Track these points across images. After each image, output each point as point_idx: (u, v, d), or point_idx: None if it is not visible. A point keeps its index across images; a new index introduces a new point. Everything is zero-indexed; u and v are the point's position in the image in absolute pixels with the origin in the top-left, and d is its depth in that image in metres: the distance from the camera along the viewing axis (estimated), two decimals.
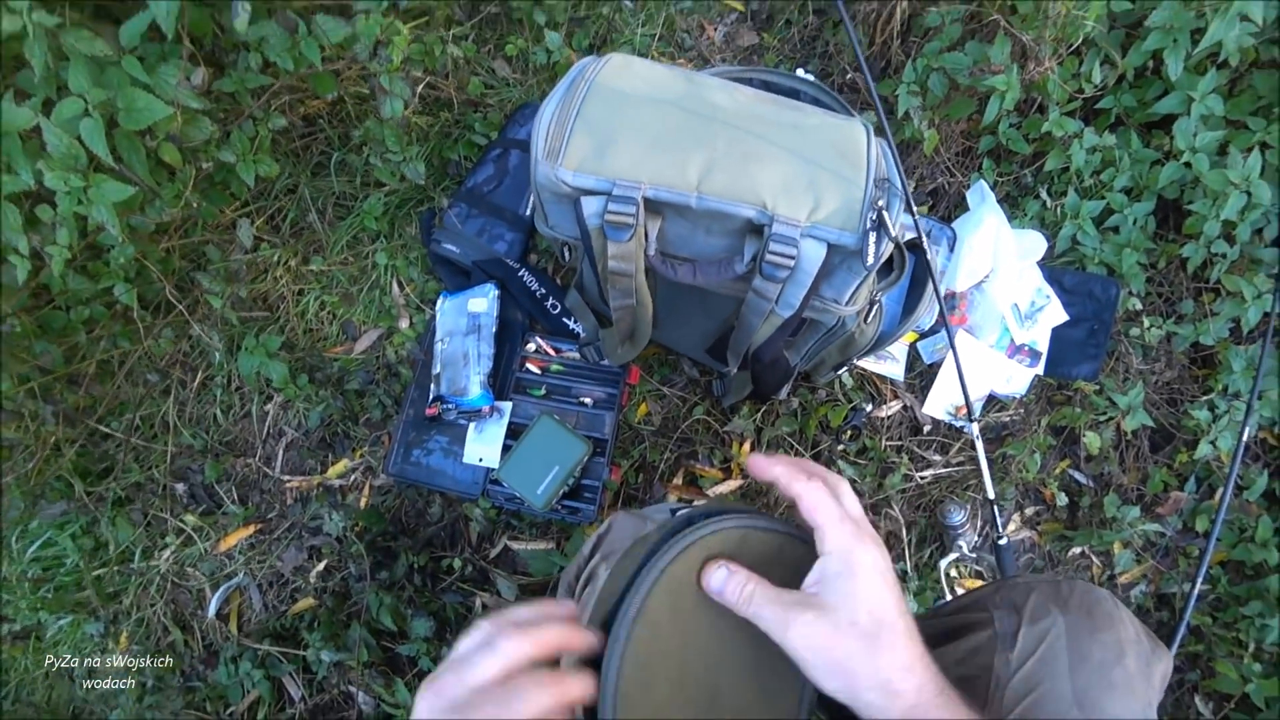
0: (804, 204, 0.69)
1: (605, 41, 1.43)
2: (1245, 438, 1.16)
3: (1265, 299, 1.23)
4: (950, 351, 1.24)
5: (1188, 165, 1.23)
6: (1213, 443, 1.25)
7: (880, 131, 1.30)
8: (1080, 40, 1.19)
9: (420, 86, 1.21)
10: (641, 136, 0.72)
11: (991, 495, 1.03)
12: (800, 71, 1.41)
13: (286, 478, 1.25)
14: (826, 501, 0.42)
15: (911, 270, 1.04)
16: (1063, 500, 1.26)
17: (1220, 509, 1.11)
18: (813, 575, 0.42)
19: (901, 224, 0.73)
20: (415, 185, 1.25)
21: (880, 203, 0.69)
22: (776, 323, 0.77)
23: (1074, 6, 1.13)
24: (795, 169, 0.70)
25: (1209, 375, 1.32)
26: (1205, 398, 1.30)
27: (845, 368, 1.04)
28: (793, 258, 0.68)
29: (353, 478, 1.25)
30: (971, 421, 0.89)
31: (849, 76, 1.36)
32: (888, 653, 0.39)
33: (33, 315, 1.15)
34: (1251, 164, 1.20)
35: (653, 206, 0.72)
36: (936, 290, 0.79)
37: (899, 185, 0.71)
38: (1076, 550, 1.28)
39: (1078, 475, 1.30)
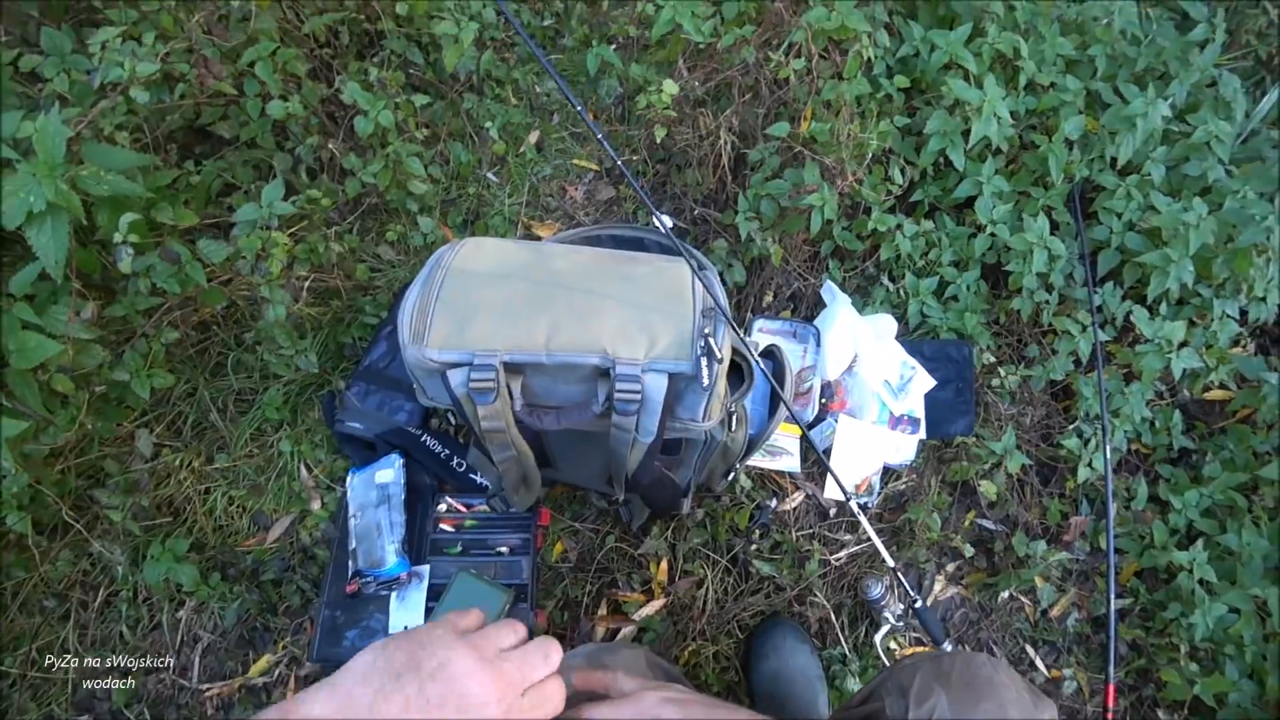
0: (640, 344, 0.79)
1: (478, 216, 1.59)
2: (1108, 455, 1.30)
3: (1089, 331, 1.41)
4: (831, 434, 1.35)
5: (993, 235, 1.44)
6: (1089, 465, 1.38)
7: (733, 254, 1.48)
8: (878, 152, 1.42)
9: (308, 282, 1.31)
10: (494, 310, 0.83)
11: (891, 564, 1.11)
12: (656, 215, 1.58)
13: (204, 686, 1.21)
14: None
15: (772, 373, 1.16)
16: (971, 551, 1.34)
17: (1109, 526, 1.22)
18: None
19: (737, 343, 0.85)
20: (312, 373, 1.32)
21: (707, 330, 0.80)
22: (643, 449, 0.86)
23: (861, 130, 1.35)
24: (629, 315, 0.81)
25: (1070, 406, 1.47)
26: (1072, 426, 1.44)
27: (734, 473, 1.12)
28: (638, 392, 0.78)
29: (277, 672, 1.22)
30: (849, 500, 0.97)
31: (697, 212, 1.55)
32: None
33: None
34: (1041, 225, 1.42)
35: (512, 368, 0.82)
36: (779, 391, 0.90)
37: (720, 309, 0.83)
38: (1004, 595, 1.35)
39: (985, 523, 1.40)
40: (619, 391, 0.78)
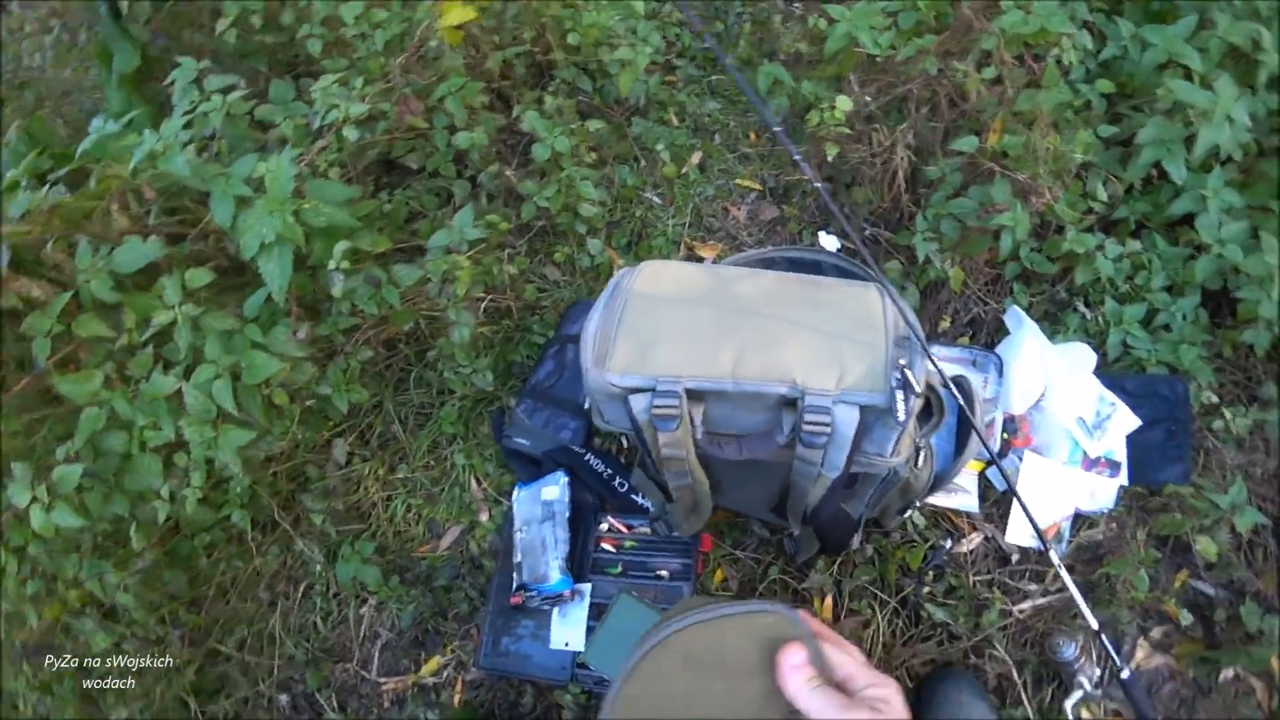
0: (831, 374, 0.76)
1: (641, 237, 1.62)
2: None
3: None
4: (1014, 473, 1.24)
5: (1220, 255, 1.26)
6: None
7: (907, 277, 1.40)
8: (1077, 165, 1.29)
9: (483, 303, 1.38)
10: (678, 335, 0.82)
11: (1094, 625, 0.98)
12: (822, 235, 1.54)
13: (382, 680, 1.30)
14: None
15: (957, 408, 1.08)
16: (1189, 618, 1.17)
17: None
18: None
19: (927, 374, 0.79)
20: (485, 389, 1.39)
21: (903, 361, 0.75)
22: (826, 483, 0.82)
23: (1059, 142, 1.23)
24: (819, 343, 0.78)
25: None
26: None
27: (911, 509, 1.05)
28: (828, 424, 0.74)
29: (445, 674, 1.29)
30: (1047, 549, 0.87)
31: (868, 232, 1.48)
32: None
33: (163, 546, 1.30)
34: None
35: (695, 395, 0.81)
36: (973, 423, 0.82)
37: (917, 338, 0.78)
38: (1229, 674, 1.17)
39: (1202, 586, 1.22)
40: (807, 423, 0.75)
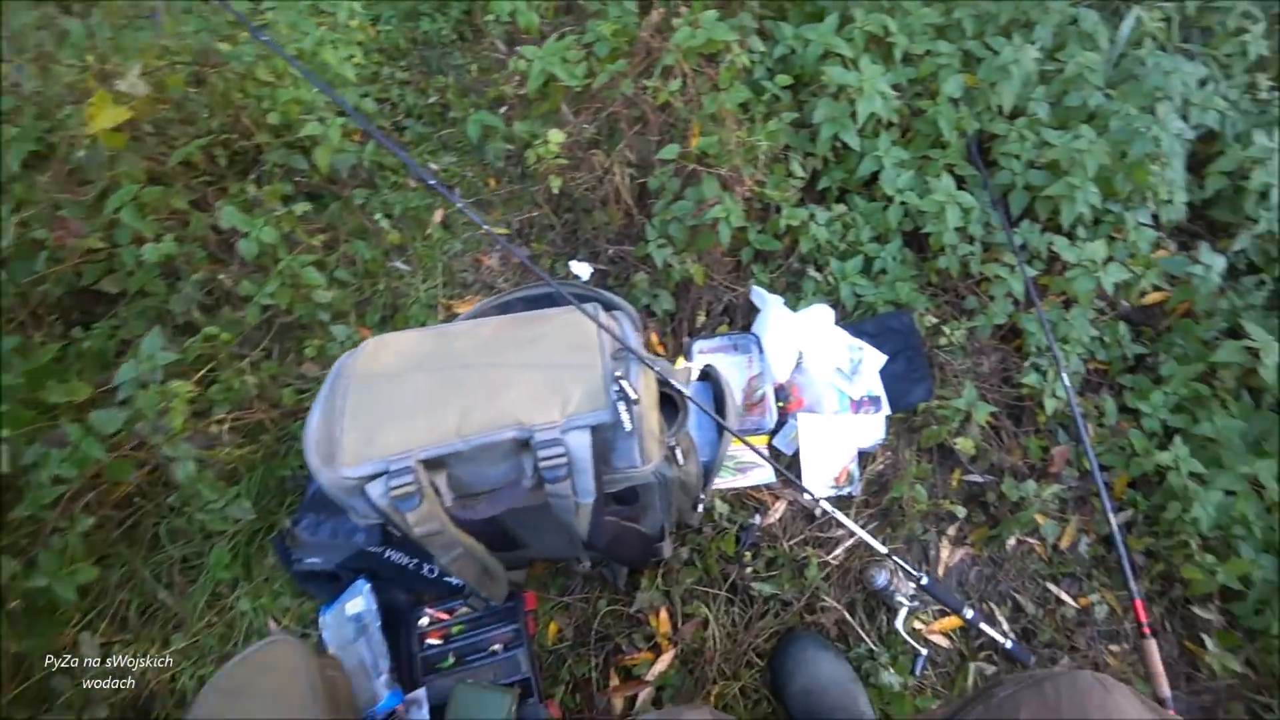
0: (554, 406, 0.75)
1: (395, 309, 1.55)
2: (1068, 381, 1.28)
3: (1018, 270, 1.41)
4: (795, 435, 1.32)
5: (904, 203, 1.44)
6: (1054, 395, 1.36)
7: (656, 284, 1.46)
8: (773, 151, 1.41)
9: (226, 425, 1.25)
10: (402, 409, 0.78)
11: (883, 550, 1.07)
12: (573, 264, 1.56)
13: None
14: None
15: (711, 393, 1.13)
16: (963, 511, 1.31)
17: (1088, 448, 1.21)
18: None
19: (658, 375, 0.81)
20: (252, 519, 1.25)
21: (619, 373, 0.76)
22: (589, 509, 0.81)
23: (747, 135, 1.35)
24: (538, 379, 0.77)
25: (1020, 345, 1.46)
26: (1027, 363, 1.42)
27: (700, 503, 1.07)
28: (563, 455, 0.73)
29: None
30: (815, 499, 0.93)
31: (611, 251, 1.53)
32: None
33: None
34: (946, 183, 1.43)
35: (433, 464, 0.77)
36: (709, 412, 0.86)
37: (629, 348, 0.79)
38: (1011, 542, 1.32)
39: (973, 478, 1.37)
40: (543, 459, 0.73)
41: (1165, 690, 1.00)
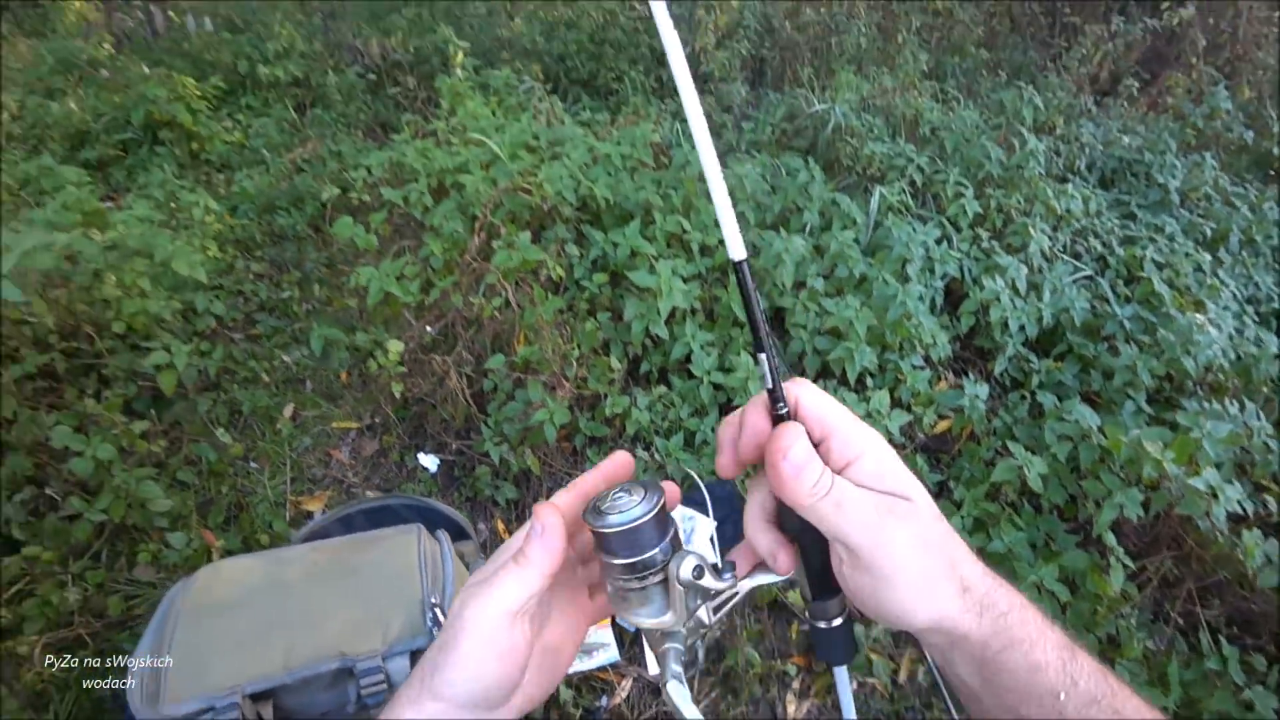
0: (376, 634, 0.87)
1: (241, 508, 1.60)
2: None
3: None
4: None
5: (711, 381, 1.71)
6: None
7: (498, 476, 1.61)
8: (593, 346, 1.66)
9: (39, 645, 1.23)
10: (231, 642, 0.87)
11: None
12: (420, 455, 1.70)
13: None
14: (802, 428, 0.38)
15: None
16: (794, 668, 1.47)
17: None
18: (868, 468, 0.37)
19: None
20: None
21: (434, 599, 0.90)
22: None
23: (562, 343, 1.59)
24: (361, 609, 0.90)
25: None
26: None
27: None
28: (383, 682, 0.85)
29: None
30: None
31: (454, 446, 1.69)
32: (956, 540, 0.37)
33: None
34: (745, 360, 1.71)
35: (260, 696, 0.85)
36: None
37: (447, 574, 0.94)
38: (854, 687, 1.47)
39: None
40: (364, 686, 0.84)
41: None
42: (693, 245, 1.86)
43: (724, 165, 2.03)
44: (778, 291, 1.86)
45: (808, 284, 1.85)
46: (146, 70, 2.57)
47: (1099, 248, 2.27)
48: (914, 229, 1.96)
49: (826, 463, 0.37)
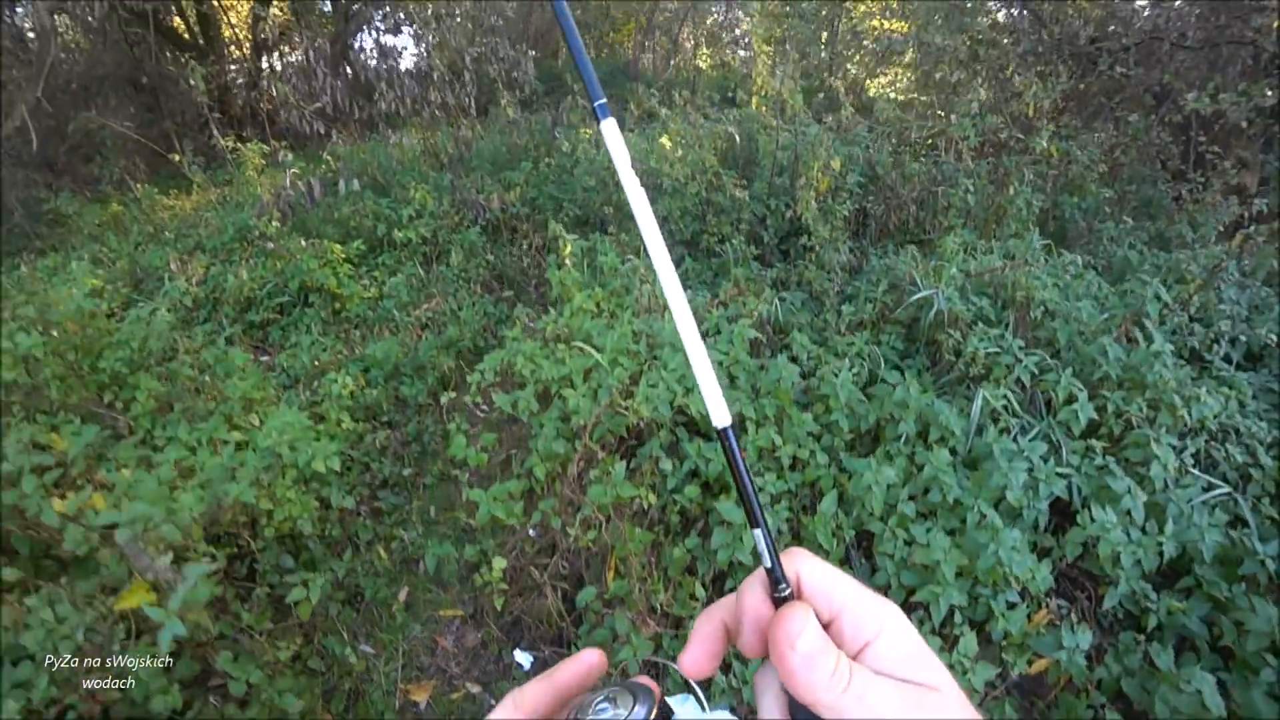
0: None
1: (358, 695, 1.79)
2: None
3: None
4: None
5: None
6: None
7: None
8: (676, 576, 1.74)
9: None
10: None
11: None
12: (517, 652, 1.83)
13: None
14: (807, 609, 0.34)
15: None
16: None
17: None
18: (887, 652, 0.33)
19: None
20: None
21: None
22: None
23: (650, 578, 1.68)
24: None
25: None
26: None
27: None
28: None
29: None
30: None
31: (547, 652, 1.80)
32: None
33: None
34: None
35: None
36: None
37: None
38: None
39: None
40: None
41: None
42: (783, 459, 1.92)
43: (823, 348, 2.09)
44: (866, 514, 1.87)
45: (898, 508, 1.85)
46: (304, 243, 2.97)
47: (1240, 456, 2.07)
48: (1018, 445, 1.91)
49: (839, 646, 0.33)
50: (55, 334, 1.87)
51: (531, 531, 1.89)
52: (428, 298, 2.96)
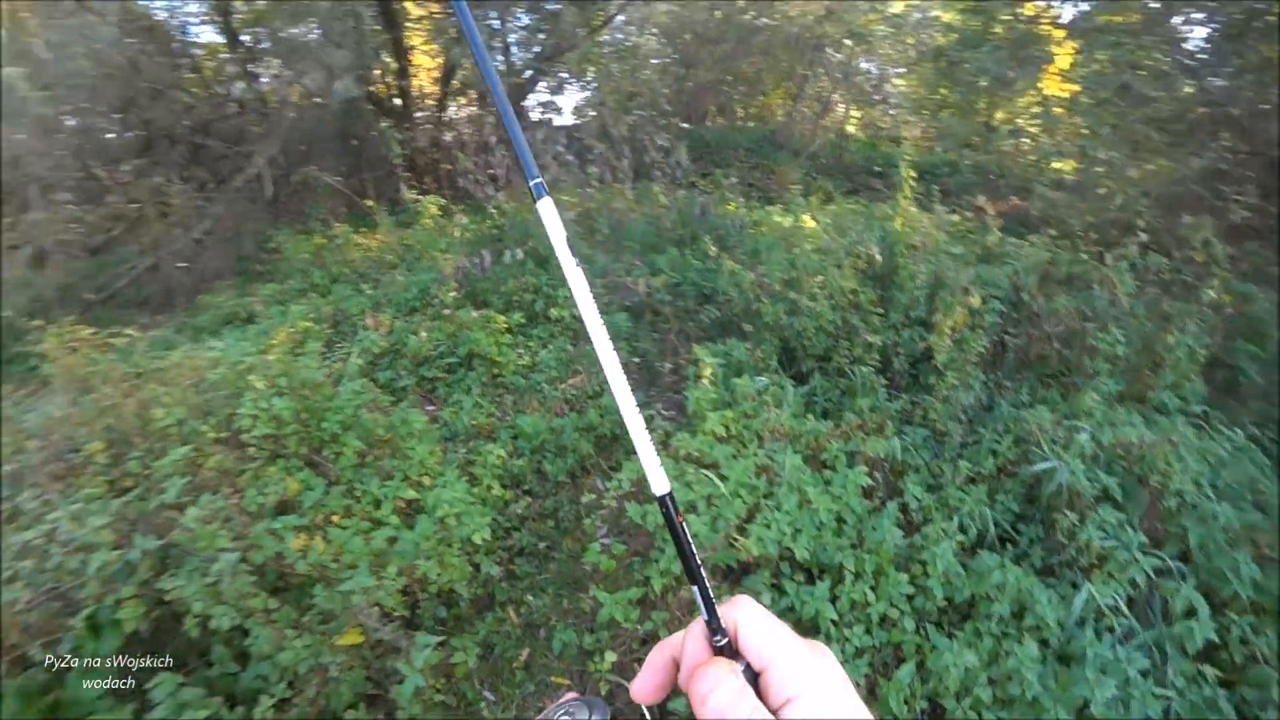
0: None
1: None
2: None
3: None
4: None
5: None
6: None
7: None
8: None
9: None
10: None
11: None
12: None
13: None
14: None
15: None
16: None
17: None
18: (805, 711, 0.36)
19: None
20: None
21: None
22: None
23: None
24: None
25: None
26: None
27: None
28: None
29: None
30: None
31: None
32: None
33: None
34: None
35: None
36: None
37: None
38: None
39: None
40: None
41: None
42: (873, 615, 2.08)
43: (935, 496, 2.22)
44: (942, 687, 1.97)
45: (974, 691, 1.94)
46: (475, 314, 3.43)
47: None
48: (1116, 654, 1.93)
49: (765, 698, 0.35)
50: (291, 399, 2.36)
51: (641, 633, 2.17)
52: (573, 374, 3.33)
